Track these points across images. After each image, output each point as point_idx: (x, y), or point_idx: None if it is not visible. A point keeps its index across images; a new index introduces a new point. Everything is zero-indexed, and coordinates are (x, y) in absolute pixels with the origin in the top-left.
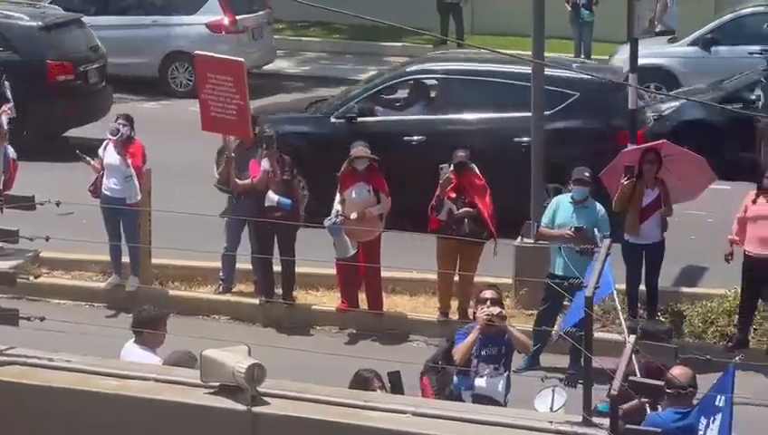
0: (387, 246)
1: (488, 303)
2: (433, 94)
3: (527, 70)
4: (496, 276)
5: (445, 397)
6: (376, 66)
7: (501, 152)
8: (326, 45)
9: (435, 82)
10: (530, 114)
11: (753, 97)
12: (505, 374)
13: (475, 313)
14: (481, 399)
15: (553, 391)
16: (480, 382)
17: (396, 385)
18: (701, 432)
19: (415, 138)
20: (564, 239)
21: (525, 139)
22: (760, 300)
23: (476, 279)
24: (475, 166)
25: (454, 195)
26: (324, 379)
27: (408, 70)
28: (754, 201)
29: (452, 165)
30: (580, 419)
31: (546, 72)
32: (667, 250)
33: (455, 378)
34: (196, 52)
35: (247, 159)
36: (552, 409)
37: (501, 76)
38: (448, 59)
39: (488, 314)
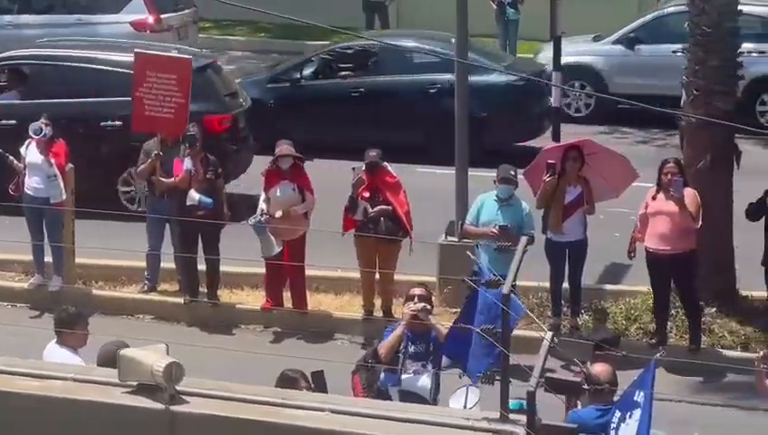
0: (311, 244)
1: (415, 299)
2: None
3: (119, 57)
4: (421, 275)
5: (373, 394)
6: None
7: (89, 135)
8: (251, 44)
9: (32, 67)
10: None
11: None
12: (433, 371)
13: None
14: (408, 395)
15: (467, 389)
16: (407, 379)
17: (319, 384)
18: (613, 425)
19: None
20: (489, 237)
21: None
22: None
23: (401, 277)
24: (387, 164)
25: (367, 194)
26: (248, 378)
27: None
28: (654, 197)
29: (364, 165)
30: (497, 415)
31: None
32: (590, 248)
33: (382, 375)
34: (136, 49)
35: (171, 158)
36: (465, 407)
37: (90, 62)
38: (46, 46)
39: (413, 310)
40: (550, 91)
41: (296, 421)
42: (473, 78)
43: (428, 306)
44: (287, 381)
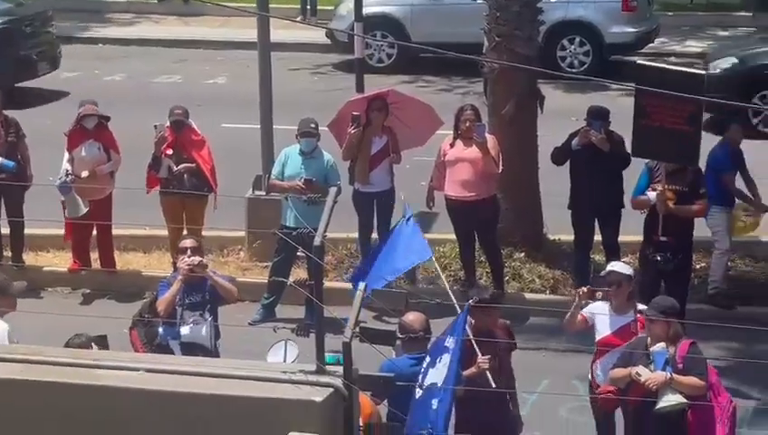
0: (118, 204)
1: (188, 252)
2: None
3: None
4: (230, 229)
5: (154, 348)
6: (100, 24)
7: None
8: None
9: None
10: None
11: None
12: (210, 320)
13: (175, 262)
14: (189, 347)
15: (286, 343)
16: (185, 331)
17: (103, 348)
18: (422, 369)
19: None
20: (295, 191)
21: None
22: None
23: (209, 233)
24: (192, 121)
25: (170, 152)
26: (59, 341)
27: None
28: (452, 145)
29: (169, 122)
30: (313, 367)
31: None
32: (397, 197)
33: (160, 329)
34: None
35: None
36: (284, 361)
37: None
38: None
39: (189, 264)
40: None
41: (109, 381)
42: None
43: (204, 261)
44: (75, 347)
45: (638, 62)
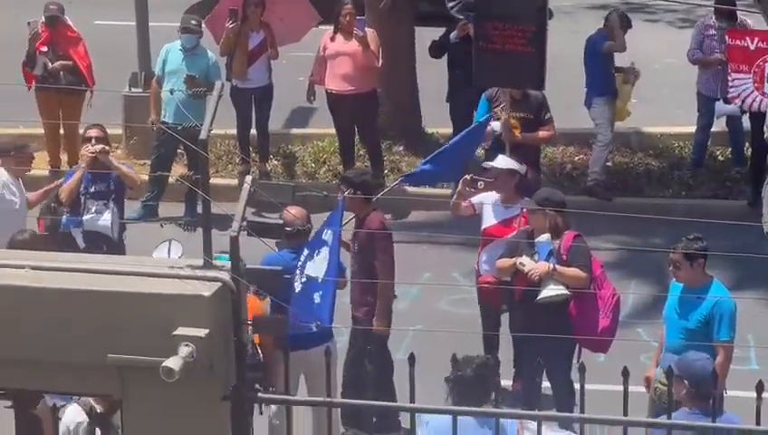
0: None
1: (93, 141)
2: None
3: None
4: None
5: (59, 237)
6: None
7: None
8: None
9: None
10: None
11: None
12: (114, 209)
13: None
14: (92, 235)
15: (170, 242)
16: (89, 219)
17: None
18: (300, 263)
19: None
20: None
21: None
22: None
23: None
24: (67, 18)
25: (45, 48)
26: None
27: None
28: (332, 39)
29: (44, 18)
30: (201, 262)
31: None
32: (275, 92)
33: (64, 218)
34: None
35: None
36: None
37: None
38: None
39: (93, 152)
40: None
41: None
42: None
43: (107, 147)
44: None
45: None
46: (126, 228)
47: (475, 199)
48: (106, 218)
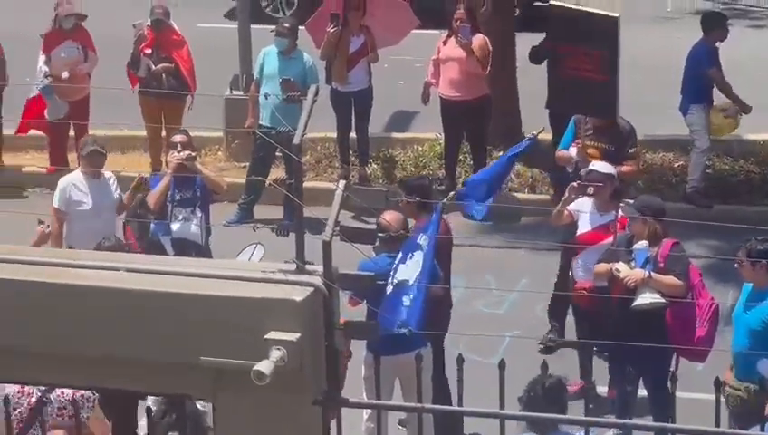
0: (95, 104)
1: (179, 147)
2: None
3: None
4: (208, 129)
5: (146, 244)
6: None
7: None
8: None
9: None
10: None
11: None
12: (201, 216)
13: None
14: (180, 242)
15: (255, 246)
16: (177, 227)
17: None
18: (394, 266)
19: None
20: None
21: None
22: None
23: None
24: (173, 22)
25: (150, 51)
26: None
27: None
28: (445, 42)
29: (149, 21)
30: (293, 267)
31: None
32: (375, 96)
33: (152, 225)
34: None
35: None
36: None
37: None
38: None
39: (179, 159)
40: None
41: (89, 281)
42: None
43: (192, 154)
44: None
45: (552, 2)
46: (211, 232)
47: (572, 207)
48: (192, 225)
